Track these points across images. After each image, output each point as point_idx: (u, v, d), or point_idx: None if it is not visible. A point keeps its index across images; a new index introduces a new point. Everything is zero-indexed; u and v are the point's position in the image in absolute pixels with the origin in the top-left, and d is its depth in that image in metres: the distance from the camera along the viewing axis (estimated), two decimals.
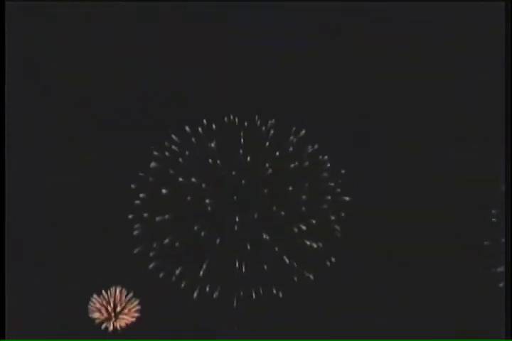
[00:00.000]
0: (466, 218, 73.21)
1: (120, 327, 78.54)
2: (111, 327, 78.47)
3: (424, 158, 75.64)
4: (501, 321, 68.35)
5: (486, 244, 71.83)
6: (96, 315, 78.66)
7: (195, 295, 76.32)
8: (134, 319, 78.59)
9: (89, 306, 78.14)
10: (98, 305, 78.37)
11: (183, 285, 76.52)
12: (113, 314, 78.34)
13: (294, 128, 77.75)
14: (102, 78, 75.81)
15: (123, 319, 78.56)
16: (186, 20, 75.28)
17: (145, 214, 76.91)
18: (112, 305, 78.07)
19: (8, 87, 71.93)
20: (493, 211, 72.25)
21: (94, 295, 77.82)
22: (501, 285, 69.72)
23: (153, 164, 77.36)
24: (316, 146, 77.79)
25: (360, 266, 76.37)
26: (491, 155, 72.98)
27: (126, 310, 78.47)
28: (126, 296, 78.42)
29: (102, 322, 78.60)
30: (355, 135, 78.32)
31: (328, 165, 77.79)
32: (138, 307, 78.72)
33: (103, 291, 77.76)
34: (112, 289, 78.01)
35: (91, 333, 76.42)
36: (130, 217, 77.10)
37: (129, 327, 78.52)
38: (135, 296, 78.43)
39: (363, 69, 77.64)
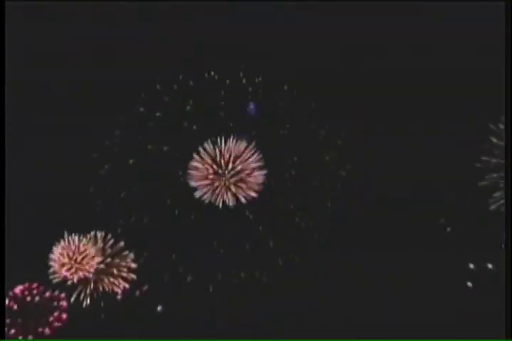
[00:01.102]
0: (466, 218, 73.99)
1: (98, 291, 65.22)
2: (87, 296, 65.29)
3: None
4: (501, 321, 68.32)
5: (486, 243, 72.16)
6: (59, 269, 65.01)
7: (165, 278, 71.63)
8: (127, 284, 65.51)
9: (51, 264, 65.55)
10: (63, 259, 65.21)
11: (152, 267, 71.90)
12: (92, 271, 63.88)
13: (285, 88, 73.27)
14: (102, 77, 76.28)
15: (113, 283, 65.13)
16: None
17: (109, 188, 73.05)
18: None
19: (9, 87, 73.49)
20: (493, 211, 72.77)
21: (61, 243, 65.29)
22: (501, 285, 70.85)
23: (117, 132, 72.95)
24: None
25: (354, 248, 73.04)
26: (491, 154, 73.35)
27: (113, 268, 64.88)
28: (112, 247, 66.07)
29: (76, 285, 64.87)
30: (356, 98, 74.05)
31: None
32: (133, 266, 66.66)
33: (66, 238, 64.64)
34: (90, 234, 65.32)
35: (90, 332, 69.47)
36: (91, 190, 72.94)
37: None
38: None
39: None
